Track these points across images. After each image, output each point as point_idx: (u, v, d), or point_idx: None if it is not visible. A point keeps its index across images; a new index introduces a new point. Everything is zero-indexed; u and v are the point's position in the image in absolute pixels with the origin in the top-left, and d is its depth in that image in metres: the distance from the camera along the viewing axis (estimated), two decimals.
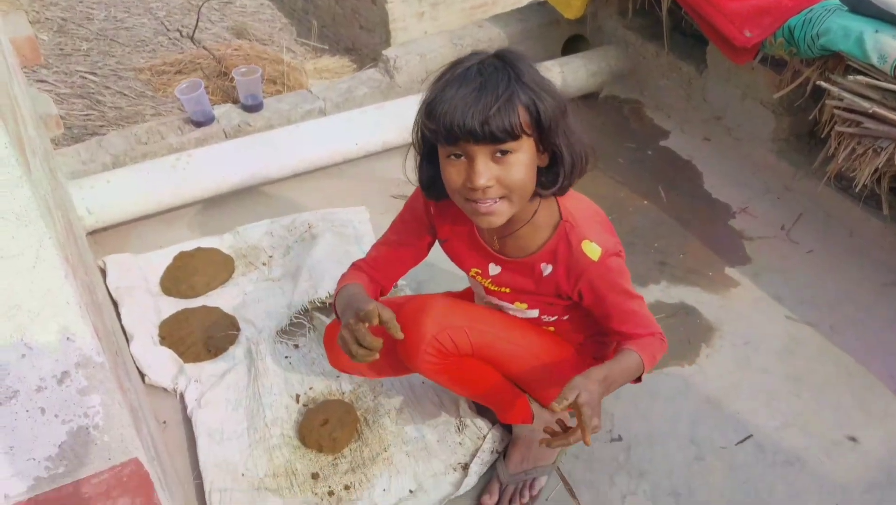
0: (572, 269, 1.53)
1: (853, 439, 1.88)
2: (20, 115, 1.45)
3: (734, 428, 1.93)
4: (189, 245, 2.43)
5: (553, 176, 1.45)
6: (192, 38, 4.46)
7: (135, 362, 2.06)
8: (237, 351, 2.12)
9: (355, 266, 1.74)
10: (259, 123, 2.82)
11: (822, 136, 2.24)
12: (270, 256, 2.43)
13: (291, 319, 2.18)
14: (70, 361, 1.07)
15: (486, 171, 1.35)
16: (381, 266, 1.73)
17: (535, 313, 1.67)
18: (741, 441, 1.89)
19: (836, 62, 2.12)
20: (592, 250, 1.51)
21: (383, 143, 2.70)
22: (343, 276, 1.73)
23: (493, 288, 1.66)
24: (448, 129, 1.33)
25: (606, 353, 1.80)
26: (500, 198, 1.40)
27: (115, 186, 2.37)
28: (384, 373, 1.84)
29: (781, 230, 2.47)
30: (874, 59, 1.95)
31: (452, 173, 1.40)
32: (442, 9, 4.03)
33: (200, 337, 2.13)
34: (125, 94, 3.86)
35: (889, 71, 1.92)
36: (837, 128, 2.09)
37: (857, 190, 2.11)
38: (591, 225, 1.54)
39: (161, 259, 2.39)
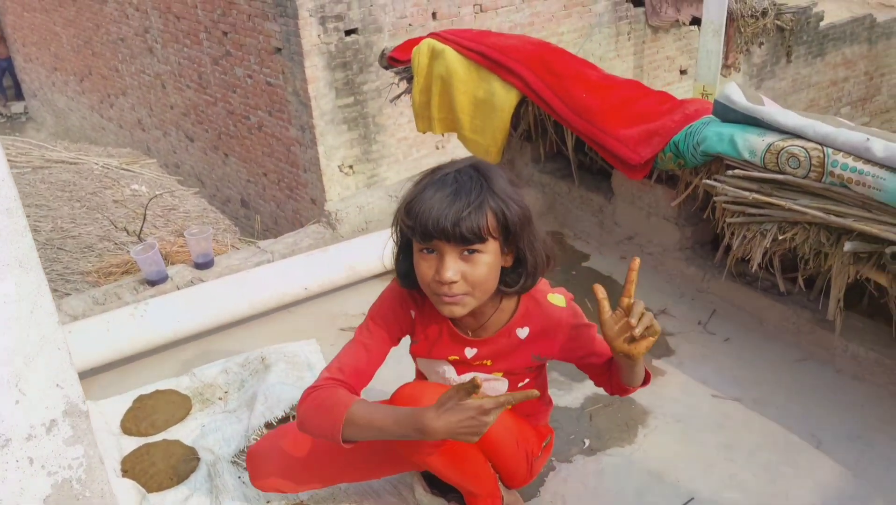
0: (548, 324, 1.71)
1: (785, 492, 2.03)
2: None
3: (676, 494, 2.05)
4: (147, 389, 2.53)
5: (516, 276, 1.64)
6: (139, 236, 4.64)
7: None
8: (198, 476, 2.19)
9: (329, 383, 1.69)
10: (211, 279, 2.99)
11: (718, 230, 2.53)
12: (226, 392, 2.53)
13: (250, 440, 2.27)
14: (59, 409, 1.18)
15: (453, 266, 1.53)
16: (351, 373, 1.73)
17: (504, 386, 1.79)
18: (684, 504, 2.01)
19: (717, 165, 2.44)
20: (558, 300, 1.73)
21: (330, 282, 2.90)
22: (325, 398, 1.65)
23: (474, 363, 1.76)
24: (424, 227, 1.51)
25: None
26: (464, 294, 1.57)
27: (74, 336, 2.49)
28: (308, 482, 1.95)
29: (699, 325, 2.70)
30: (746, 155, 2.27)
31: (424, 267, 1.57)
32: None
33: (163, 468, 2.20)
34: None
35: (759, 162, 2.24)
36: (728, 220, 2.38)
37: (752, 270, 2.37)
38: (544, 284, 1.76)
39: (120, 404, 2.48)
